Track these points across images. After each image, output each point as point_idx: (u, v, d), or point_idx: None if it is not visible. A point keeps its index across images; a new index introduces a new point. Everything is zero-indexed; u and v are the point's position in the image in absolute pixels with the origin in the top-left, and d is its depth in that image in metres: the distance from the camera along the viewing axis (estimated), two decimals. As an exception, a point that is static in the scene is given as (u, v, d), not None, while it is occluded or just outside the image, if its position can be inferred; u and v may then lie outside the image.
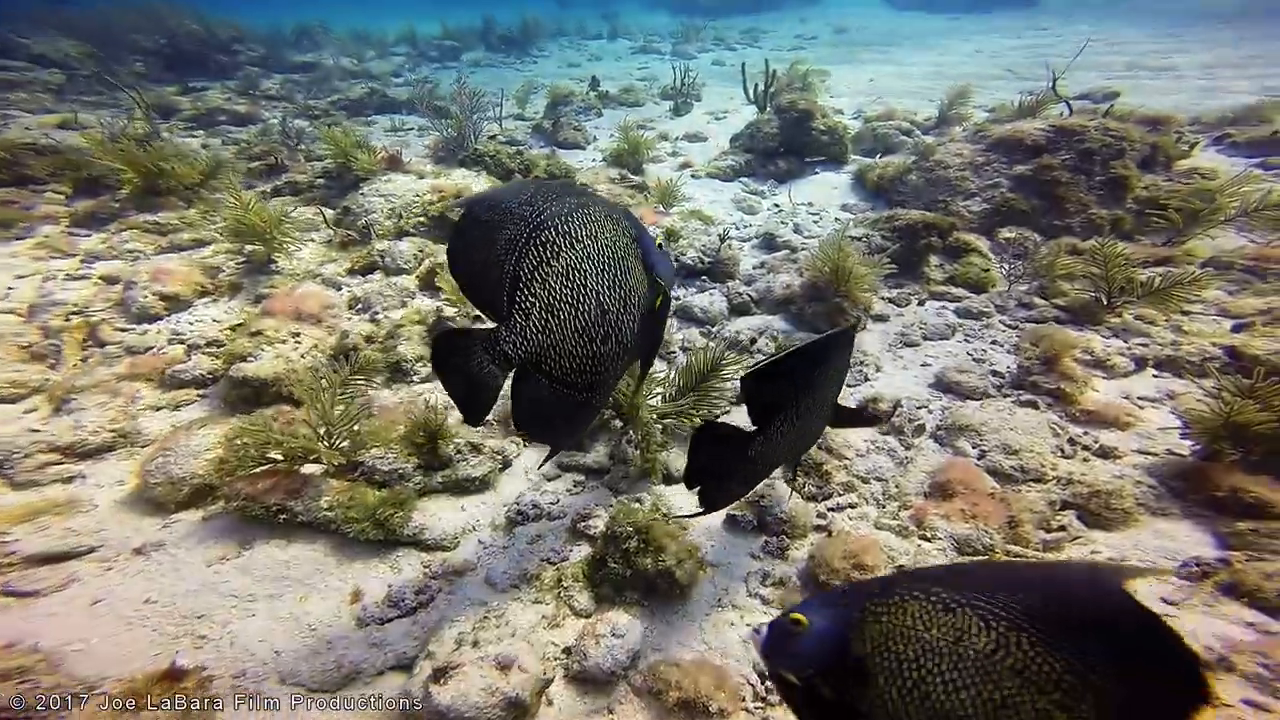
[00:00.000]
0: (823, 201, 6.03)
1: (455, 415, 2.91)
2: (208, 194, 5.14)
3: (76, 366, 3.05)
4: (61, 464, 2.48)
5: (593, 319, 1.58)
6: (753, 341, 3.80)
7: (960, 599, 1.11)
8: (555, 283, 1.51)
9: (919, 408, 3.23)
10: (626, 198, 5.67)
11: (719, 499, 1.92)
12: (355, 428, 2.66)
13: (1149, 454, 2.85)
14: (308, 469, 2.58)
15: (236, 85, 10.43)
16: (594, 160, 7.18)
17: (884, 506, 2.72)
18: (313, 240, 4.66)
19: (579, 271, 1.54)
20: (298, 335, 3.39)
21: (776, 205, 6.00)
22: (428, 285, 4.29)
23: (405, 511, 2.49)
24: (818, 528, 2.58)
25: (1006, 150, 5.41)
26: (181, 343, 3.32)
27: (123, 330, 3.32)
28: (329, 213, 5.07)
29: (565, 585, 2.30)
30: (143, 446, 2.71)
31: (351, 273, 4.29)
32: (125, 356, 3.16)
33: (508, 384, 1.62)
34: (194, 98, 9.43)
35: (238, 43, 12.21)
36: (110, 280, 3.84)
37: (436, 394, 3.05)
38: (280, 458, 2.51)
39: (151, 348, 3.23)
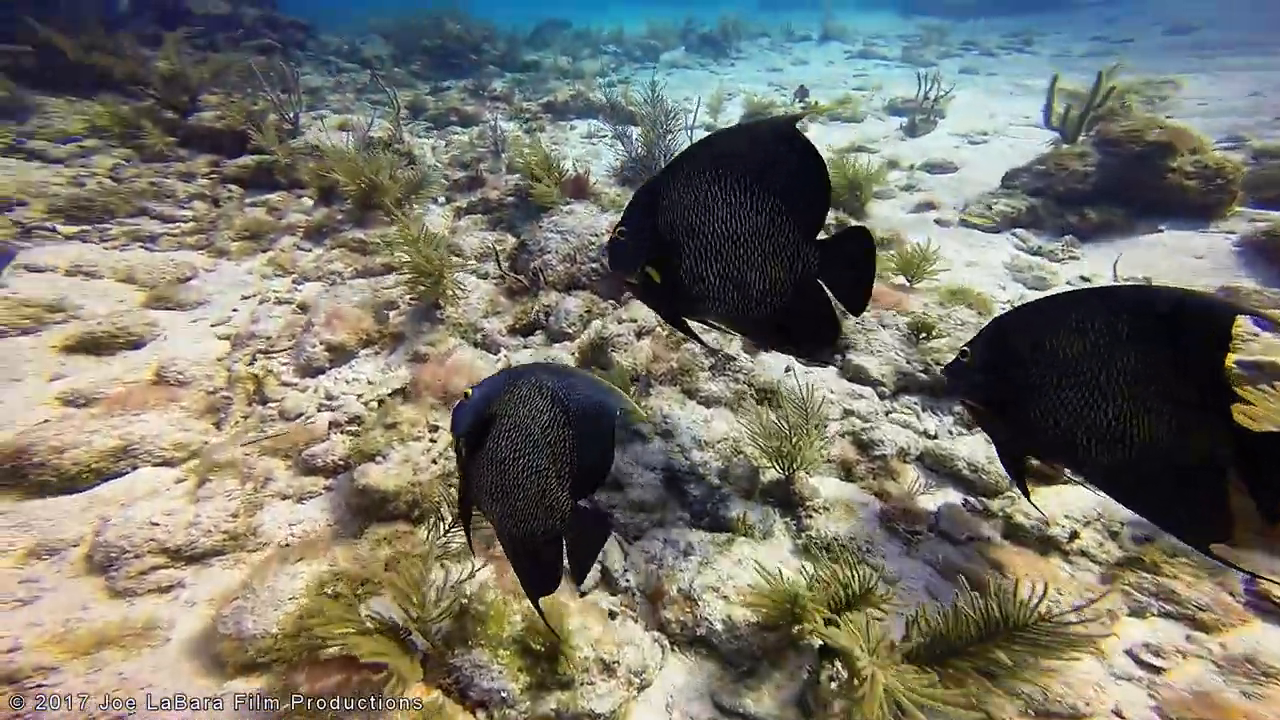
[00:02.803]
0: (1175, 275, 3.72)
1: (579, 618, 1.96)
2: (410, 210, 4.83)
3: (236, 426, 2.68)
4: (166, 569, 2.01)
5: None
6: (1073, 537, 2.21)
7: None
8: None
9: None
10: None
11: None
12: (459, 604, 1.85)
13: None
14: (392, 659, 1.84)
15: (471, 84, 10.56)
16: None
17: None
18: (487, 277, 4.04)
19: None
20: (436, 431, 2.70)
21: (1085, 277, 3.95)
22: (585, 361, 3.40)
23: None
24: None
25: None
26: (331, 409, 2.83)
27: (286, 386, 2.90)
28: (510, 240, 4.41)
29: None
30: (252, 551, 2.20)
31: (513, 331, 3.55)
32: (276, 422, 2.73)
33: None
34: (438, 97, 9.41)
35: (487, 42, 12.59)
36: (304, 309, 3.57)
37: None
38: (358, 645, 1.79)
39: (302, 414, 2.77)
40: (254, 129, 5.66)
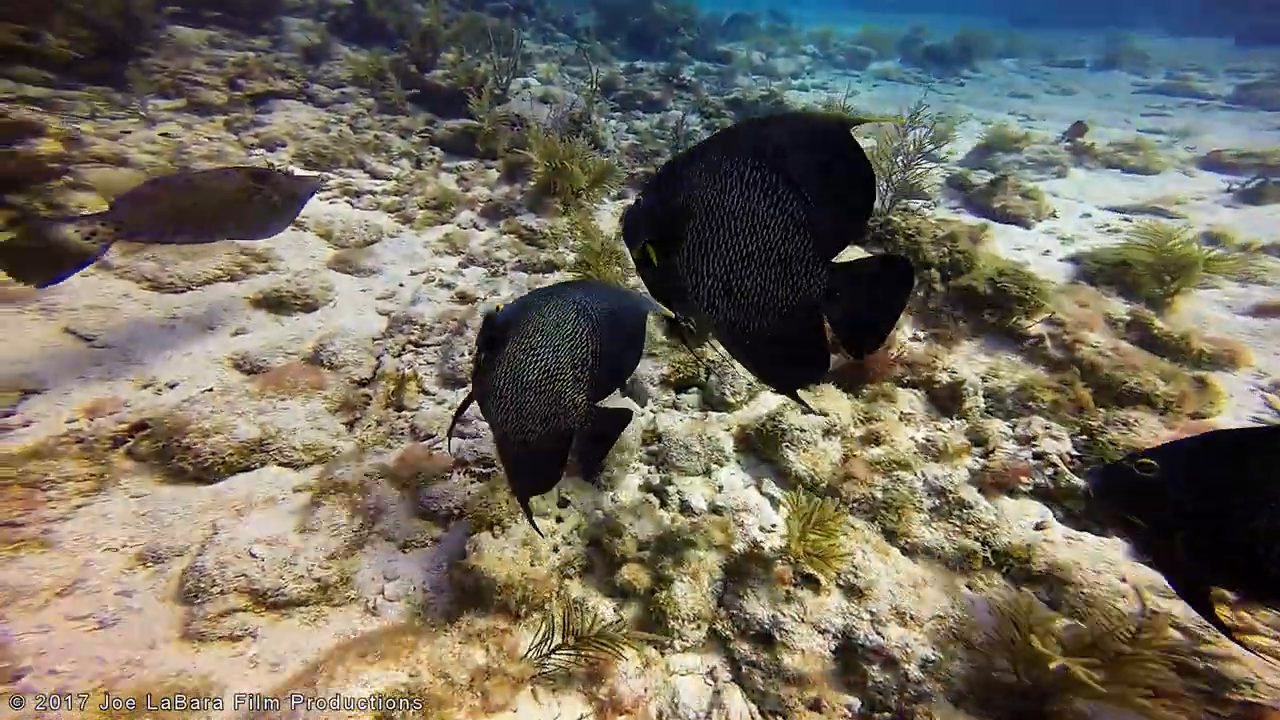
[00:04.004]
0: None
1: None
2: (585, 203, 4.35)
3: (368, 430, 2.39)
4: (245, 612, 1.72)
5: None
6: None
7: None
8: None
9: None
10: (1153, 385, 2.69)
11: None
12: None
13: None
14: None
15: (662, 69, 9.94)
16: (1051, 254, 4.17)
17: None
18: None
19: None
20: (565, 506, 2.14)
21: None
22: (748, 447, 2.60)
23: None
24: None
25: None
26: (462, 436, 2.43)
27: (425, 395, 2.57)
28: None
29: None
30: (337, 605, 1.85)
31: (666, 383, 2.87)
32: (405, 438, 2.39)
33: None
34: (630, 78, 8.87)
35: (684, 26, 11.90)
36: (464, 299, 3.26)
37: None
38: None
39: (432, 436, 2.40)
40: (473, 92, 5.65)
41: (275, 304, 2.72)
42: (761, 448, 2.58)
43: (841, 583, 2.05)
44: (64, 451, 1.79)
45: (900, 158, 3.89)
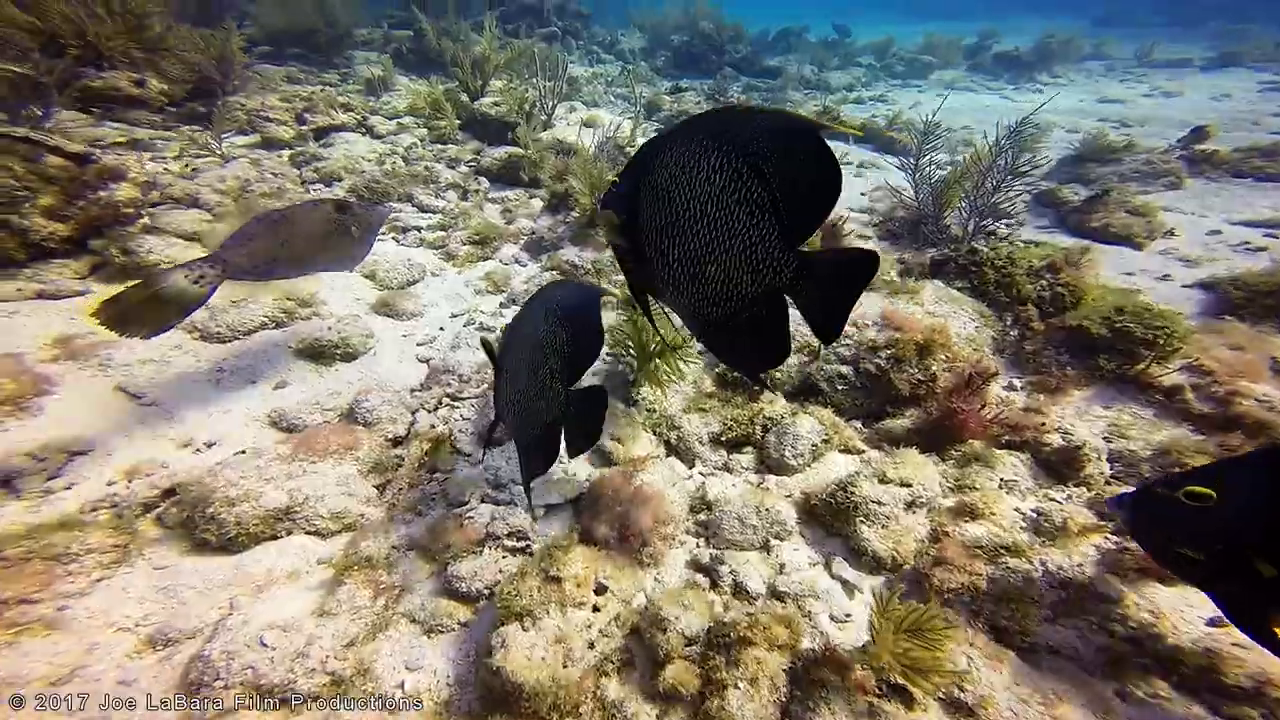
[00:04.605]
0: None
1: None
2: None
3: (400, 494, 2.26)
4: (249, 711, 1.57)
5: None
6: None
7: None
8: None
9: None
10: None
11: None
12: None
13: None
14: None
15: (708, 87, 9.74)
16: (1172, 278, 3.55)
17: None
18: (704, 352, 3.09)
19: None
20: (603, 593, 1.90)
21: None
22: (813, 519, 2.27)
23: None
24: None
25: None
26: (495, 502, 2.25)
27: (459, 455, 2.43)
28: None
29: None
30: (353, 701, 1.70)
31: (718, 441, 2.58)
32: (436, 508, 2.22)
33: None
34: (675, 98, 8.78)
35: (732, 42, 11.67)
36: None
37: None
38: None
39: (465, 502, 2.24)
40: (521, 118, 5.65)
41: (316, 354, 2.69)
42: (830, 520, 2.25)
43: (943, 695, 1.69)
44: (92, 521, 1.76)
45: (990, 177, 3.43)
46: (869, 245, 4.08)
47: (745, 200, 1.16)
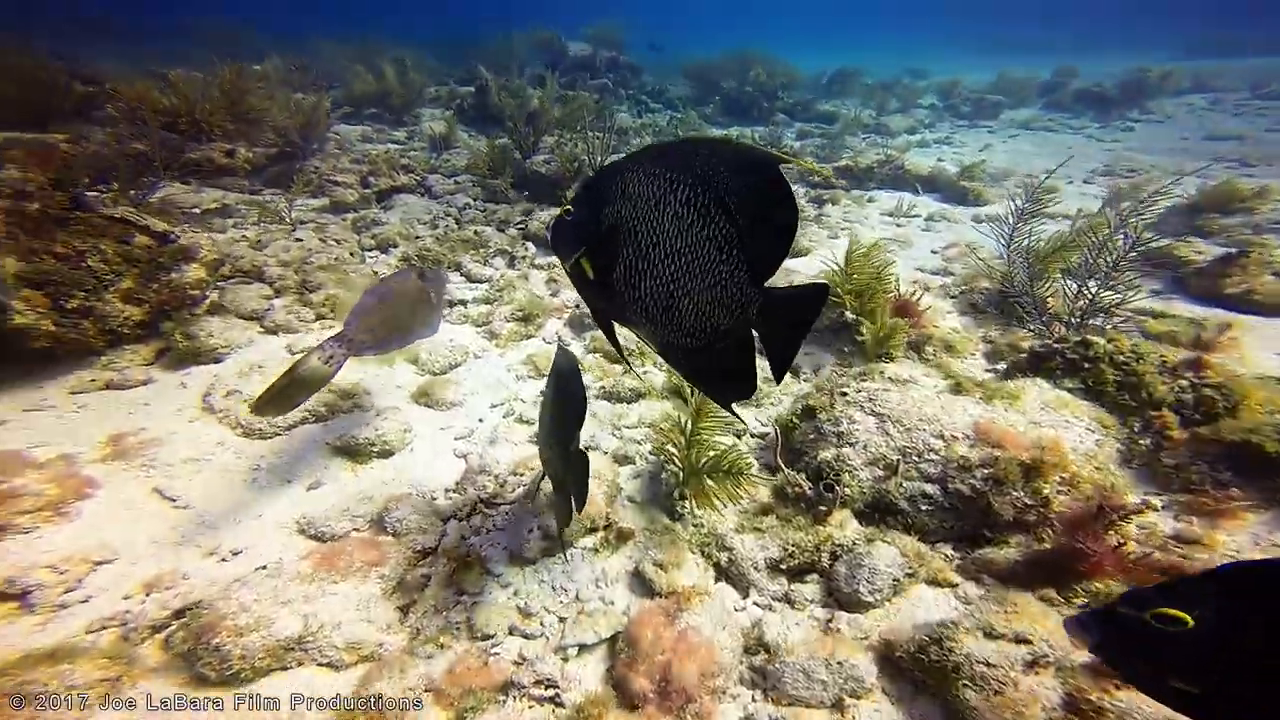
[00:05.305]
0: None
1: None
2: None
3: (423, 618, 2.08)
4: None
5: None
6: None
7: None
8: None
9: None
10: None
11: None
12: None
13: None
14: None
15: (762, 135, 9.64)
16: None
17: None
18: (755, 458, 2.75)
19: None
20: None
21: None
22: (898, 672, 1.87)
23: None
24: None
25: None
26: (524, 634, 2.02)
27: (489, 576, 2.23)
28: (789, 404, 3.09)
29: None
30: None
31: (776, 567, 2.23)
32: (460, 641, 1.99)
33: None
34: None
35: (784, 89, 11.62)
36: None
37: None
38: None
39: (490, 637, 2.01)
40: (569, 175, 5.71)
41: (352, 452, 2.62)
42: (923, 677, 1.85)
43: None
44: (86, 649, 1.67)
45: (1105, 254, 2.98)
46: (949, 319, 3.66)
47: (716, 234, 1.18)
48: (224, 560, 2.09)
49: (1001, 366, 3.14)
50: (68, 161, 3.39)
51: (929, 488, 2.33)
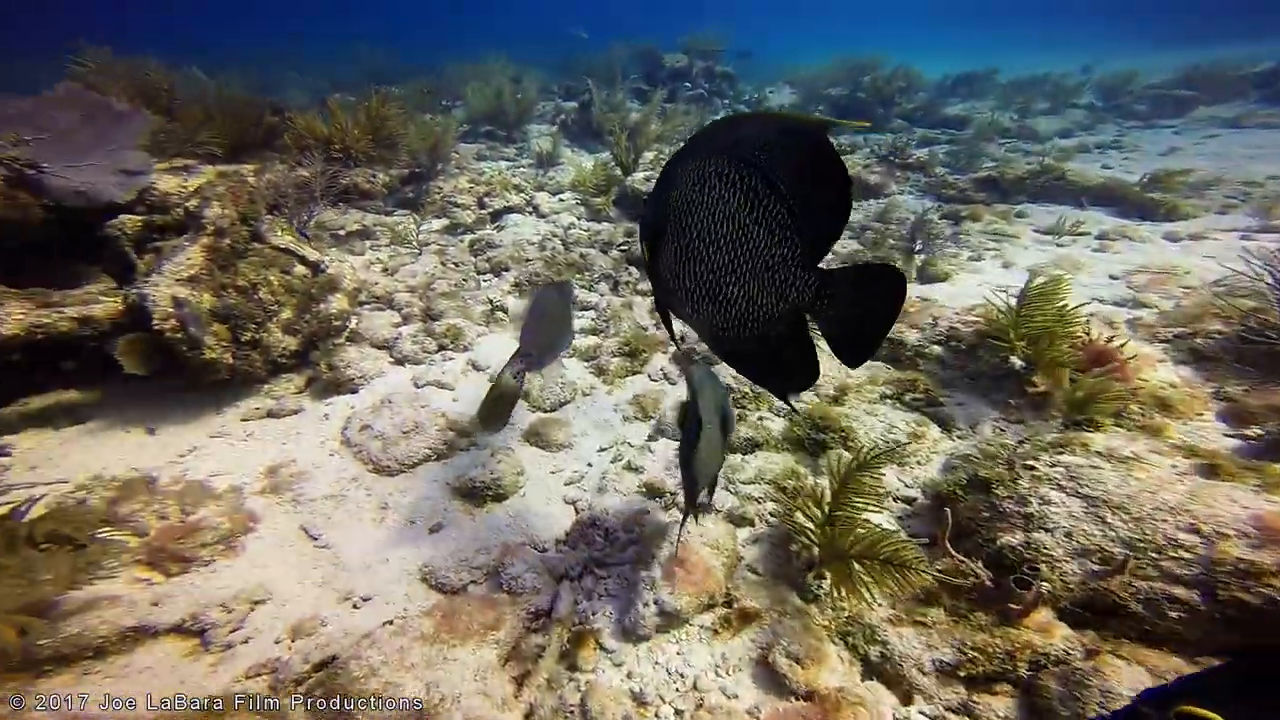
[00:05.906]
0: None
1: None
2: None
3: (535, 693, 1.99)
4: None
5: None
6: None
7: None
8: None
9: None
10: None
11: None
12: None
13: None
14: None
15: (887, 145, 8.71)
16: None
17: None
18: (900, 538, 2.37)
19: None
20: None
21: None
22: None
23: None
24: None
25: None
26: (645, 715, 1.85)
27: (604, 652, 2.09)
28: (954, 473, 2.66)
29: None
30: None
31: (952, 673, 1.83)
32: (572, 729, 1.91)
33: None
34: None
35: (902, 93, 10.57)
36: (652, 491, 2.78)
37: None
38: None
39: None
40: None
41: (469, 493, 2.64)
42: None
43: None
44: (242, 695, 1.75)
45: None
46: (1162, 368, 2.95)
47: (765, 215, 1.13)
48: (355, 607, 2.17)
49: (1255, 432, 2.46)
50: (253, 195, 3.80)
51: (1180, 591, 1.83)
